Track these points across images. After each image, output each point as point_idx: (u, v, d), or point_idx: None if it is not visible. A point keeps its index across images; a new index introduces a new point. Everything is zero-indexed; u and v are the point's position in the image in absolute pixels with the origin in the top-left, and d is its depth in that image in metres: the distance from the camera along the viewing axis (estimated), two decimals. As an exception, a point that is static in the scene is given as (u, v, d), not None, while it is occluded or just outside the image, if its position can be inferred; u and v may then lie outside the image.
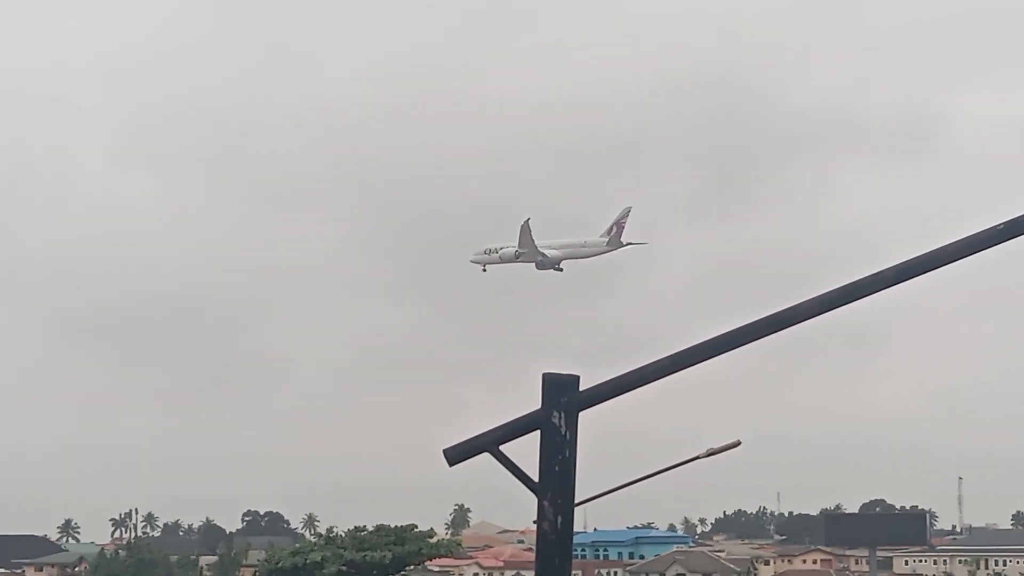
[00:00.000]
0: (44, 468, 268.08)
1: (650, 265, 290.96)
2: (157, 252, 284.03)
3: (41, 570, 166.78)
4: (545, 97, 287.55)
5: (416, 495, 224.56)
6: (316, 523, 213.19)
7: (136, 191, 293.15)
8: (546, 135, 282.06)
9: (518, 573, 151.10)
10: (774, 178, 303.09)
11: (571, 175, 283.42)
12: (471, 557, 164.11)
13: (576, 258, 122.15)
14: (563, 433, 6.84)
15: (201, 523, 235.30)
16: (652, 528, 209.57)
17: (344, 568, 72.42)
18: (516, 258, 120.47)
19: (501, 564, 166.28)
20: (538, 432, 6.91)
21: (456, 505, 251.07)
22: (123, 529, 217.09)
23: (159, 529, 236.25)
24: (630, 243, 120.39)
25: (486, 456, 7.08)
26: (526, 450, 7.06)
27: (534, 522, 7.11)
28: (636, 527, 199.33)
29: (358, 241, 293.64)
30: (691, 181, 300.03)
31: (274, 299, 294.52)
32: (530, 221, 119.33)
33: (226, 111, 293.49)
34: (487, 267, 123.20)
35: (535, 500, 6.88)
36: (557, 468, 6.82)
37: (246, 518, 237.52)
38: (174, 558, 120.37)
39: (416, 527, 77.71)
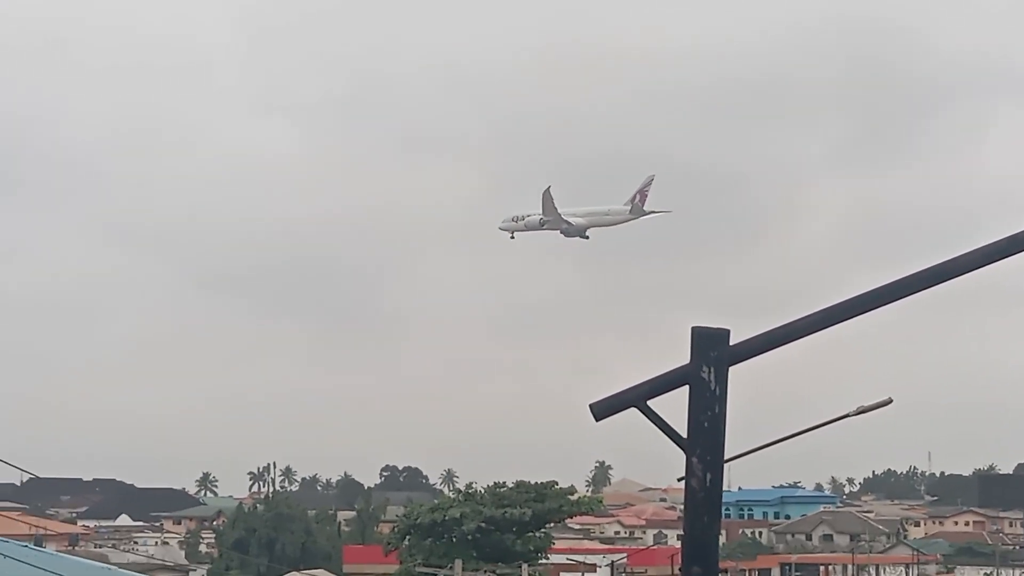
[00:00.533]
0: (182, 421, 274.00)
1: (797, 216, 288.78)
2: (295, 205, 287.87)
3: (179, 523, 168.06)
4: (689, 47, 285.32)
5: (556, 451, 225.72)
6: (455, 479, 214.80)
7: (276, 144, 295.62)
8: (690, 86, 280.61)
9: (660, 531, 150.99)
10: (924, 128, 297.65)
11: (716, 126, 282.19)
12: (612, 515, 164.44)
13: (600, 226, 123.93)
14: (713, 388, 6.70)
15: (339, 478, 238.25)
16: (798, 487, 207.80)
17: (483, 524, 72.65)
18: (541, 226, 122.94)
19: (643, 522, 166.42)
20: (686, 387, 6.79)
21: (597, 462, 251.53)
22: (261, 483, 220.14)
23: (297, 484, 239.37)
24: (653, 212, 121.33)
25: (628, 412, 6.99)
26: (673, 405, 6.95)
27: (679, 479, 7.00)
28: (782, 486, 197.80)
29: (499, 194, 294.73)
30: (838, 131, 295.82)
31: (415, 252, 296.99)
32: (551, 189, 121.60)
33: (367, 68, 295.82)
34: (515, 234, 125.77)
35: (680, 457, 6.77)
36: (706, 424, 6.69)
37: (384, 473, 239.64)
38: (312, 513, 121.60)
39: (556, 484, 77.82)
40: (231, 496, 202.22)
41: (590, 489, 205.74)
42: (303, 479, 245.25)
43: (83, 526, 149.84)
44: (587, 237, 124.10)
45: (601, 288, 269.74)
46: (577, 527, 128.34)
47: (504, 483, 77.39)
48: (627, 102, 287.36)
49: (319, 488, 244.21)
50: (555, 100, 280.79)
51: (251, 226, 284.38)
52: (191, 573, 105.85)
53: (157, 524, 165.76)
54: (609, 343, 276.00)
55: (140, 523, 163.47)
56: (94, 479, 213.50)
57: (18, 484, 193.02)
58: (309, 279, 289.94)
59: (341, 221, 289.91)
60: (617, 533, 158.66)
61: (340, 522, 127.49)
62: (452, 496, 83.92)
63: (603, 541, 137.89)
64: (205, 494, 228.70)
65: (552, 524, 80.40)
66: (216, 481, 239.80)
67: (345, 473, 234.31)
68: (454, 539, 73.82)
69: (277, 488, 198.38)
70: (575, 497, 79.08)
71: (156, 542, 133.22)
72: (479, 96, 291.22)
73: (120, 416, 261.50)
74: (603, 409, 6.97)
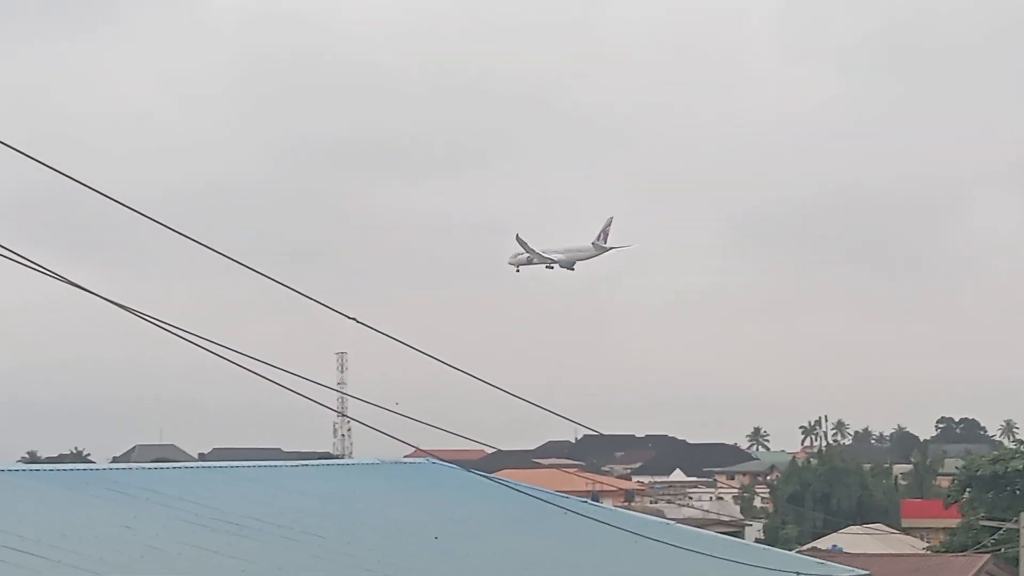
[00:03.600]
0: (736, 375, 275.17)
1: None
2: (834, 145, 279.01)
3: (732, 479, 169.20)
4: None
5: None
6: (1015, 430, 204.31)
7: (814, 86, 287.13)
8: None
9: None
10: None
11: None
12: None
13: (577, 260, 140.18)
14: None
15: (892, 431, 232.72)
16: None
17: (1049, 477, 68.88)
18: (529, 262, 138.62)
19: None
20: None
21: None
22: (812, 437, 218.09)
23: (849, 437, 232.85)
24: (614, 247, 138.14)
25: None
26: None
27: None
28: None
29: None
30: None
31: (971, 195, 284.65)
32: (520, 234, 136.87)
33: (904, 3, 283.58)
34: (520, 268, 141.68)
35: None
36: None
37: (939, 425, 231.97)
38: (867, 467, 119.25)
39: None
40: (783, 450, 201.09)
41: None
42: (855, 432, 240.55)
43: (638, 482, 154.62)
44: (573, 269, 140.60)
45: None
46: None
47: (1071, 432, 72.93)
48: None
49: (872, 441, 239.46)
50: None
51: (794, 167, 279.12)
52: (746, 527, 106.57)
53: (711, 479, 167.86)
54: None
55: (694, 478, 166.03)
56: (646, 435, 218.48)
57: (573, 441, 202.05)
58: (855, 221, 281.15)
59: (886, 162, 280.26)
60: None
61: (896, 476, 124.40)
62: (1013, 447, 79.64)
63: None
64: (757, 449, 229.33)
65: None
66: (767, 436, 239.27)
67: (899, 426, 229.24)
68: (1017, 491, 70.58)
69: (829, 442, 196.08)
70: None
71: (711, 497, 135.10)
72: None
73: (669, 371, 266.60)
74: None
